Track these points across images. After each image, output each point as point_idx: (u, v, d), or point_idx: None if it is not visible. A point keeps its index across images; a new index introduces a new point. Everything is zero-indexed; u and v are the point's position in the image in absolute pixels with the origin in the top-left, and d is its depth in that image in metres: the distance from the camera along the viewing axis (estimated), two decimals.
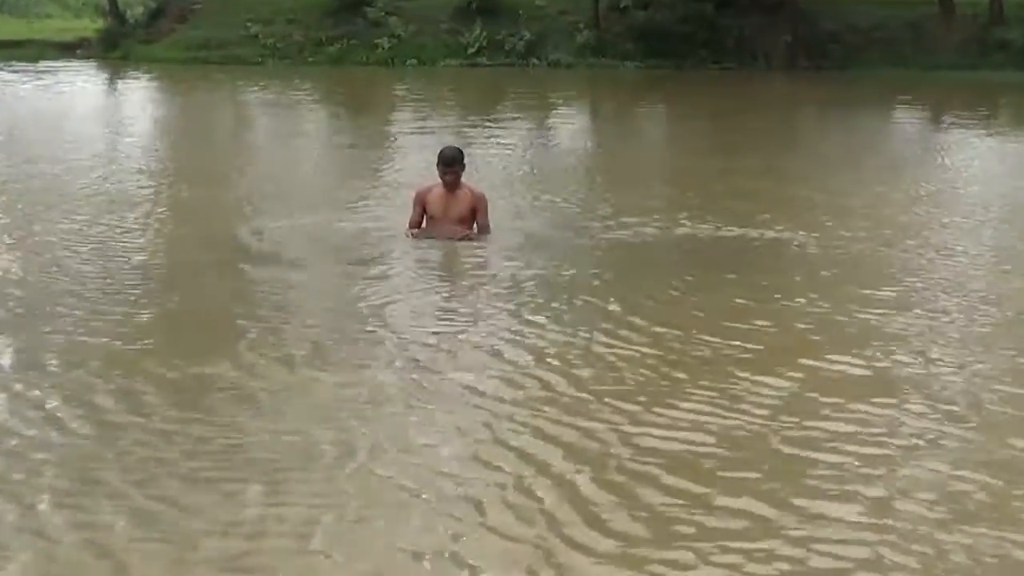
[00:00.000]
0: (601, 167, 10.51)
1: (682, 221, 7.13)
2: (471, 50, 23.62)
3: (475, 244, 6.39)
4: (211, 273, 5.72)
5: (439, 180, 6.52)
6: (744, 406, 3.77)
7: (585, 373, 4.11)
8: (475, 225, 6.51)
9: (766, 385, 3.96)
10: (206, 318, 4.92)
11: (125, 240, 6.48)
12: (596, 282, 5.53)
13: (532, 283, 5.51)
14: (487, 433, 3.55)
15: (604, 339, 4.52)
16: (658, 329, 4.64)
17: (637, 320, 4.78)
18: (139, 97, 18.38)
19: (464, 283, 5.66)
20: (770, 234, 6.79)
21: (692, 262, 6.06)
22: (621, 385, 3.98)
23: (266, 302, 5.15)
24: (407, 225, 6.60)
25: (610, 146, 12.76)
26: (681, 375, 4.07)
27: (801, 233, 6.79)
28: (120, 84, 20.29)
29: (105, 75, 21.69)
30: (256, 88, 18.99)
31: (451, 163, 6.41)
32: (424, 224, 6.53)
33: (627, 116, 16.35)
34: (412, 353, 4.32)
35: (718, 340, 4.47)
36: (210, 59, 23.70)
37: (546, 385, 3.97)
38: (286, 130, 13.92)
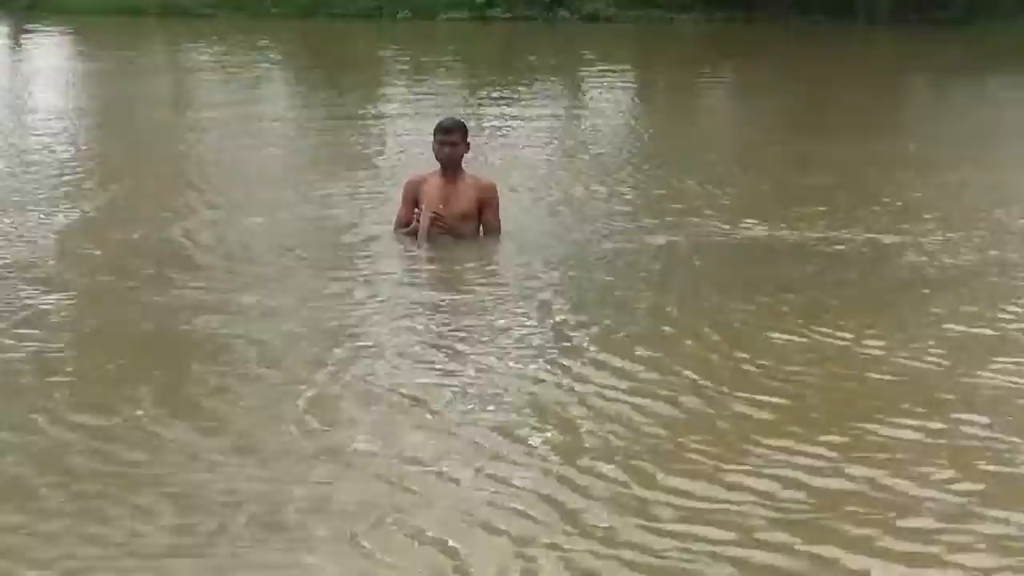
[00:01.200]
0: (646, 153, 10.67)
1: (742, 225, 7.28)
2: None
3: (479, 249, 6.58)
4: (138, 288, 5.88)
5: (436, 168, 6.70)
6: (774, 483, 3.74)
7: (587, 430, 4.15)
8: (480, 224, 6.70)
9: (806, 458, 3.93)
10: (123, 347, 5.06)
11: (29, 246, 6.64)
12: (624, 306, 5.66)
13: (545, 302, 5.67)
14: (452, 500, 3.64)
15: (618, 384, 4.58)
16: (689, 374, 4.65)
17: (666, 361, 4.84)
18: (51, 59, 18.60)
19: (459, 303, 5.80)
20: (851, 244, 6.90)
21: (746, 281, 6.16)
22: (627, 446, 4.02)
23: (200, 327, 5.29)
24: (394, 224, 6.79)
25: (659, 125, 12.92)
26: (700, 437, 4.08)
27: (891, 242, 6.91)
28: (27, 42, 20.60)
29: (5, 30, 22.09)
30: (204, 48, 19.33)
31: (449, 130, 6.63)
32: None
33: (682, 85, 16.50)
34: (373, 399, 4.42)
35: (758, 391, 4.48)
36: (144, 9, 24.07)
37: (537, 442, 4.05)
38: (242, 103, 14.14)
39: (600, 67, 17.78)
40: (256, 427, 4.23)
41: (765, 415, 4.31)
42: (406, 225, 6.73)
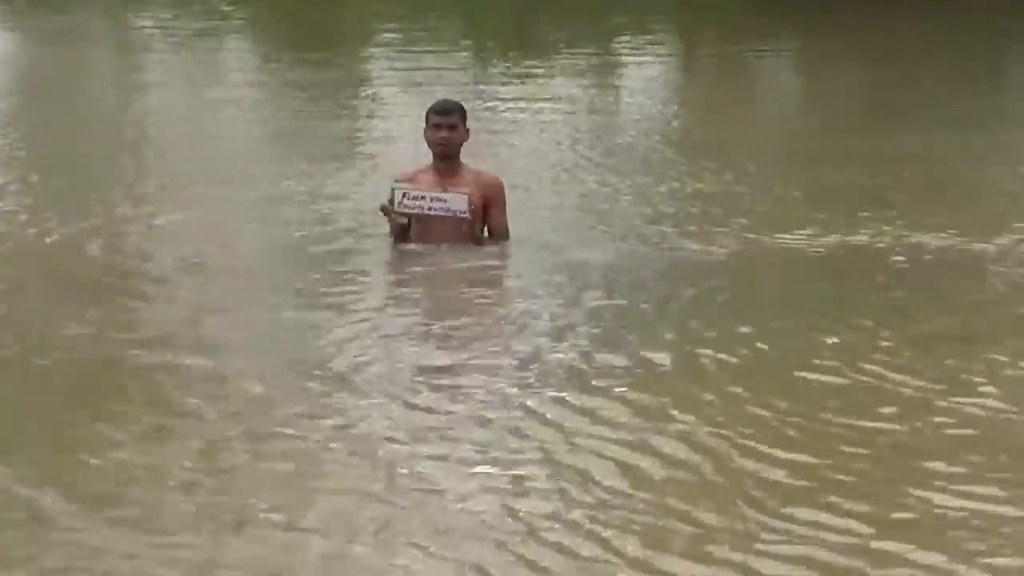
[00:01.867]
0: (682, 144, 10.73)
1: (792, 233, 7.31)
2: None
3: (484, 258, 6.70)
4: (62, 305, 5.92)
5: (428, 162, 6.76)
6: (796, 565, 3.67)
7: (579, 485, 4.10)
8: (485, 227, 6.80)
9: (837, 533, 3.83)
10: (27, 380, 5.07)
11: None
12: (645, 331, 5.64)
13: (555, 324, 5.69)
14: (417, 566, 3.64)
15: (624, 429, 4.55)
16: (710, 419, 4.62)
17: (684, 401, 4.77)
18: None
19: (452, 324, 5.79)
20: (926, 255, 6.91)
21: (791, 300, 6.21)
22: (625, 505, 3.99)
23: (129, 356, 5.27)
24: (390, 232, 6.80)
25: (699, 110, 12.98)
26: (713, 503, 4.00)
27: (976, 253, 6.93)
28: None
29: None
30: (154, 13, 19.41)
31: (445, 112, 6.74)
32: (412, 228, 6.67)
33: (728, 63, 16.57)
34: (333, 443, 4.41)
35: (787, 444, 4.42)
36: None
37: (519, 500, 4.02)
38: (199, 80, 14.33)
39: (630, 39, 17.80)
40: (169, 493, 4.08)
41: (792, 475, 4.22)
42: (402, 233, 6.74)
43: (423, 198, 6.55)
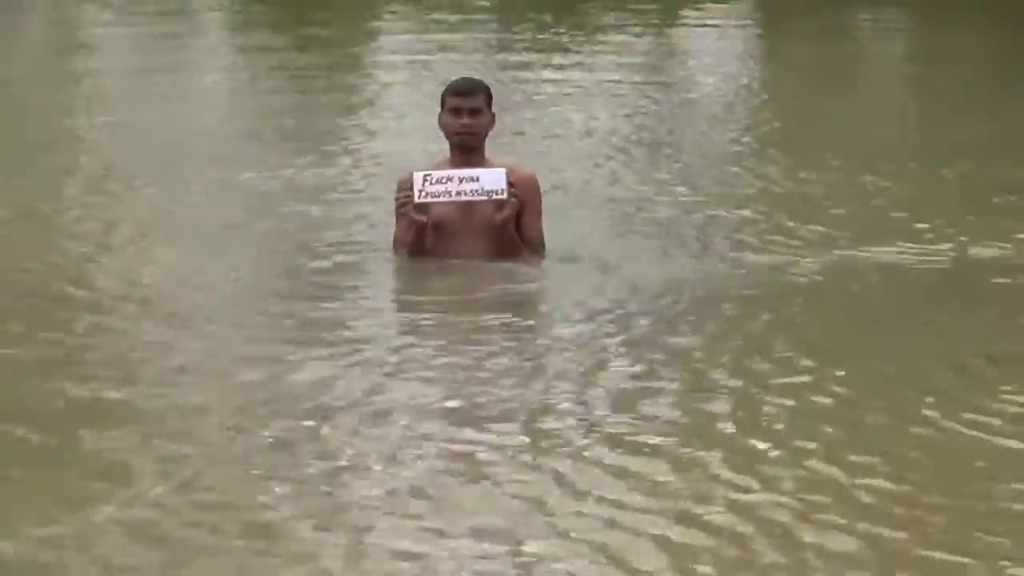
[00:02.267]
0: (762, 134, 10.70)
1: (894, 247, 7.21)
2: None
3: (509, 276, 6.63)
4: (21, 328, 5.87)
5: (443, 155, 6.75)
6: None
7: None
8: (516, 235, 6.70)
9: None
10: None
11: None
12: (697, 371, 5.53)
13: (598, 364, 5.58)
14: None
15: (682, 499, 4.40)
16: (755, 499, 4.41)
17: (724, 471, 4.60)
18: None
19: (468, 362, 5.71)
20: None
21: (897, 335, 5.99)
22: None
23: (70, 403, 5.14)
24: (392, 242, 6.80)
25: (783, 93, 13.00)
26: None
27: None
28: None
29: None
30: None
31: (467, 93, 6.69)
32: (429, 236, 6.61)
33: (818, 32, 16.53)
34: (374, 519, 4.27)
35: (852, 523, 4.21)
36: None
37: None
38: (168, 52, 14.46)
39: (697, 4, 17.90)
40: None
41: (868, 551, 4.08)
42: (414, 244, 6.69)
43: (450, 180, 6.42)
